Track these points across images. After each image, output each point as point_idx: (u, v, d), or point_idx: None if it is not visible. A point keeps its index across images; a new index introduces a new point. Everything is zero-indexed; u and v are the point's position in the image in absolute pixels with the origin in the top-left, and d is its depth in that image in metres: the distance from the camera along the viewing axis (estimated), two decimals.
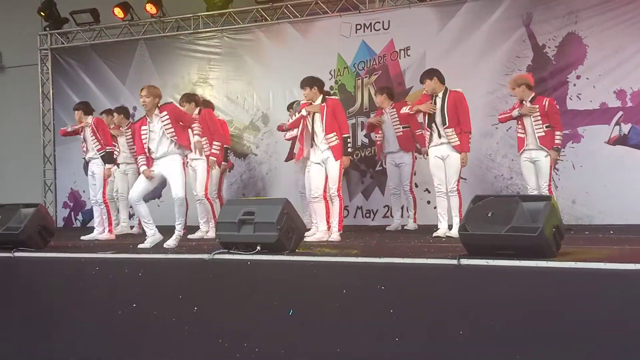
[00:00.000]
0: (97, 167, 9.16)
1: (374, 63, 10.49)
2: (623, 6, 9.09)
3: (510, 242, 5.01)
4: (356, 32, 10.64)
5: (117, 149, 10.01)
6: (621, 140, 9.06)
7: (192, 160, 8.84)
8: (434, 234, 7.85)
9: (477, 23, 9.89)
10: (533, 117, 8.15)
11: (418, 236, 7.98)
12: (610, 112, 9.12)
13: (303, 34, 11.04)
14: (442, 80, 7.94)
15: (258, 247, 5.95)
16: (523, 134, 8.27)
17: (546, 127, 8.13)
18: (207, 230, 8.94)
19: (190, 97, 9.14)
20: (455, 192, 7.83)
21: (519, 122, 8.28)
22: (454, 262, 5.05)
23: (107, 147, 9.24)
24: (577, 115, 9.30)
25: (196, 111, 8.89)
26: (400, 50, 10.34)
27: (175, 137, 7.47)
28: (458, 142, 7.83)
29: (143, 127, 7.56)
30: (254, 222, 6.05)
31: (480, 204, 5.38)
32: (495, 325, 4.73)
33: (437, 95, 7.87)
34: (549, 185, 8.24)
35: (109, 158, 9.24)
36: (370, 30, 10.56)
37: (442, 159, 7.90)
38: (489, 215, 5.21)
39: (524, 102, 8.19)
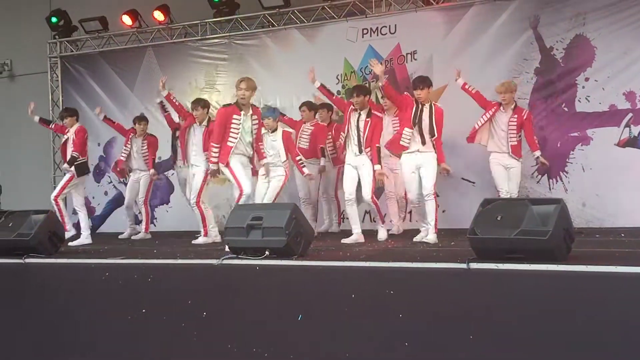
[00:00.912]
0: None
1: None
2: (631, 7, 9.05)
3: (520, 246, 5.00)
4: (363, 37, 10.64)
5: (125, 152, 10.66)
6: (631, 143, 9.01)
7: (191, 166, 8.99)
8: (414, 239, 7.95)
9: (484, 26, 9.87)
10: (509, 125, 8.44)
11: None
12: (620, 114, 9.08)
13: (310, 39, 11.05)
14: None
15: (266, 252, 5.96)
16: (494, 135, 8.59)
17: (519, 136, 8.50)
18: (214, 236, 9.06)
19: (206, 103, 9.31)
20: (433, 196, 7.87)
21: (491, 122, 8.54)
22: (464, 266, 5.04)
23: (82, 157, 9.54)
24: (586, 117, 9.27)
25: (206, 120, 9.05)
26: (407, 54, 10.34)
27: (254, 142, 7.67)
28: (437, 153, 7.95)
29: (236, 116, 7.50)
30: (263, 227, 6.06)
31: (490, 207, 5.37)
32: (505, 329, 4.71)
33: (425, 105, 7.87)
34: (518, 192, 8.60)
35: (83, 168, 9.58)
36: (377, 35, 10.55)
37: (417, 168, 7.93)
38: (499, 218, 5.20)
39: (502, 107, 8.48)
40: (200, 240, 8.95)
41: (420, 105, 7.83)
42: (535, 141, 8.62)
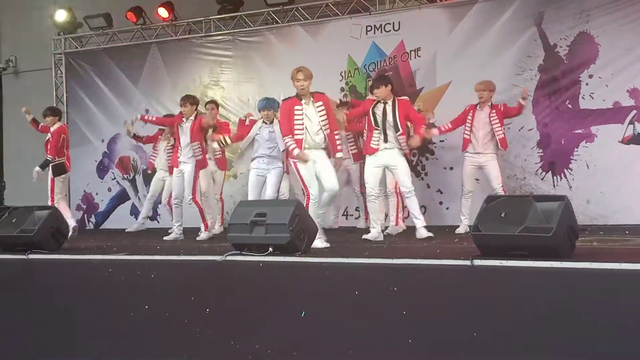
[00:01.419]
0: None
1: (385, 64, 10.48)
2: (635, 4, 9.03)
3: (523, 243, 4.98)
4: (366, 34, 10.63)
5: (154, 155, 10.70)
6: (635, 139, 8.99)
7: (180, 164, 9.02)
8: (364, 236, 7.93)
9: (488, 23, 9.86)
10: (491, 121, 8.60)
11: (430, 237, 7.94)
12: (624, 111, 9.06)
13: (314, 36, 11.05)
14: (392, 89, 7.99)
15: (270, 249, 5.95)
16: (469, 135, 8.73)
17: (504, 128, 8.70)
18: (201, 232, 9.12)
19: (195, 100, 9.26)
20: (413, 192, 7.88)
21: (469, 124, 8.69)
22: (467, 262, 5.03)
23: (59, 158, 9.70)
24: (590, 114, 9.25)
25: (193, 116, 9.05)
26: (410, 51, 10.33)
27: (328, 130, 7.46)
28: (406, 149, 8.03)
29: (298, 107, 7.39)
30: (266, 224, 6.05)
31: (493, 204, 5.36)
32: (509, 326, 4.70)
33: (387, 103, 7.89)
34: (502, 186, 8.66)
35: (60, 169, 9.75)
36: (381, 32, 10.55)
37: (385, 166, 7.97)
38: (502, 215, 5.18)
39: (478, 106, 8.69)
40: (203, 235, 8.98)
41: (382, 104, 7.84)
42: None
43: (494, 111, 8.64)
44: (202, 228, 9.10)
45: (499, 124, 8.61)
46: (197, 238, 8.91)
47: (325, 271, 5.58)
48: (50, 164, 9.63)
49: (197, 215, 9.14)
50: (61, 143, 9.74)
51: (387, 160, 7.87)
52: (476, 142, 8.68)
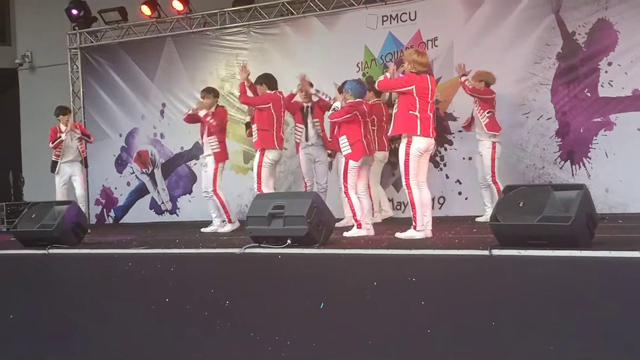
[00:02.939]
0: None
1: (401, 54, 10.41)
2: None
3: (542, 232, 4.96)
4: (383, 24, 10.58)
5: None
6: None
7: (202, 157, 9.10)
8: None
9: (505, 11, 9.78)
10: (476, 107, 8.66)
11: (449, 227, 7.92)
12: None
13: (329, 27, 11.01)
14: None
15: (288, 241, 5.96)
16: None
17: (487, 112, 8.64)
18: (218, 225, 9.12)
19: (216, 93, 9.40)
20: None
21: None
22: (486, 252, 5.02)
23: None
24: (609, 102, 9.16)
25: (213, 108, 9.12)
26: (427, 41, 10.26)
27: None
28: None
29: None
30: (284, 216, 6.07)
31: (512, 194, 5.35)
32: (528, 315, 4.69)
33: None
34: (493, 176, 8.63)
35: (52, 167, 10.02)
36: (397, 22, 10.49)
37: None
38: (521, 205, 5.17)
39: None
40: (227, 227, 8.98)
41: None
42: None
43: (476, 99, 8.73)
44: (226, 220, 9.07)
45: (480, 109, 8.70)
46: (219, 230, 8.97)
47: (344, 263, 5.59)
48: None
49: (212, 207, 9.17)
50: (53, 140, 10.06)
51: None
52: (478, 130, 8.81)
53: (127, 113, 12.67)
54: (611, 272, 4.55)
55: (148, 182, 12.55)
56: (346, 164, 7.46)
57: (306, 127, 9.08)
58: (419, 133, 6.73)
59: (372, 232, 7.38)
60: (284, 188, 10.86)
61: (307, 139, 9.07)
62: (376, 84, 7.06)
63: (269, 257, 5.92)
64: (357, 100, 7.56)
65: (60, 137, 9.86)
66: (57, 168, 9.92)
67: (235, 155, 11.00)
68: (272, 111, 8.62)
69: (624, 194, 8.98)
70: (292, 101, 9.03)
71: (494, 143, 8.68)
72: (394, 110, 6.97)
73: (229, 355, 5.82)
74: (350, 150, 7.46)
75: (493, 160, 8.66)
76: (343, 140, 7.52)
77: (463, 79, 8.73)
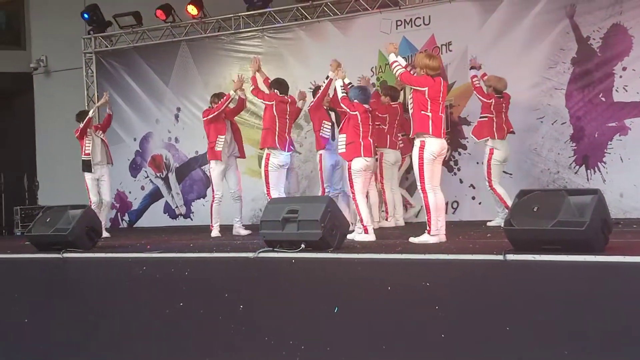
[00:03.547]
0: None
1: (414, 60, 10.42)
2: None
3: (556, 237, 4.95)
4: (397, 29, 10.58)
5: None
6: None
7: (228, 158, 9.28)
8: None
9: (519, 16, 9.77)
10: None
11: (463, 231, 7.90)
12: None
13: (343, 31, 11.03)
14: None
15: (302, 245, 5.97)
16: None
17: (480, 117, 8.75)
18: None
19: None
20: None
21: None
22: (500, 257, 5.01)
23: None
24: (624, 107, 9.13)
25: None
26: (442, 45, 10.26)
27: None
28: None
29: None
30: (298, 220, 6.08)
31: (526, 198, 5.33)
32: (542, 321, 4.68)
33: None
34: (490, 181, 8.63)
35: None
36: (411, 26, 10.50)
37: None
38: (535, 209, 5.15)
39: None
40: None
41: None
42: None
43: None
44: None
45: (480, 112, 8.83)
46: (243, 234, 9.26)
47: (358, 267, 5.59)
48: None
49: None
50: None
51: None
52: None
53: (141, 117, 12.73)
54: (626, 277, 4.53)
55: (162, 186, 12.59)
56: (349, 168, 7.52)
57: (333, 125, 8.96)
58: (430, 133, 6.75)
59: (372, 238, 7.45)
60: (298, 193, 10.85)
61: (333, 138, 8.89)
62: (399, 75, 7.05)
63: (282, 262, 5.92)
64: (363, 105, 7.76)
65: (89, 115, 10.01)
66: (91, 167, 9.92)
67: (250, 159, 11.02)
68: (274, 111, 8.69)
69: (638, 199, 8.94)
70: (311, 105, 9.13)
71: (491, 149, 8.65)
72: (410, 111, 6.99)
73: None
74: (344, 150, 7.64)
75: (489, 165, 8.64)
76: (341, 139, 7.69)
77: (472, 72, 8.77)
